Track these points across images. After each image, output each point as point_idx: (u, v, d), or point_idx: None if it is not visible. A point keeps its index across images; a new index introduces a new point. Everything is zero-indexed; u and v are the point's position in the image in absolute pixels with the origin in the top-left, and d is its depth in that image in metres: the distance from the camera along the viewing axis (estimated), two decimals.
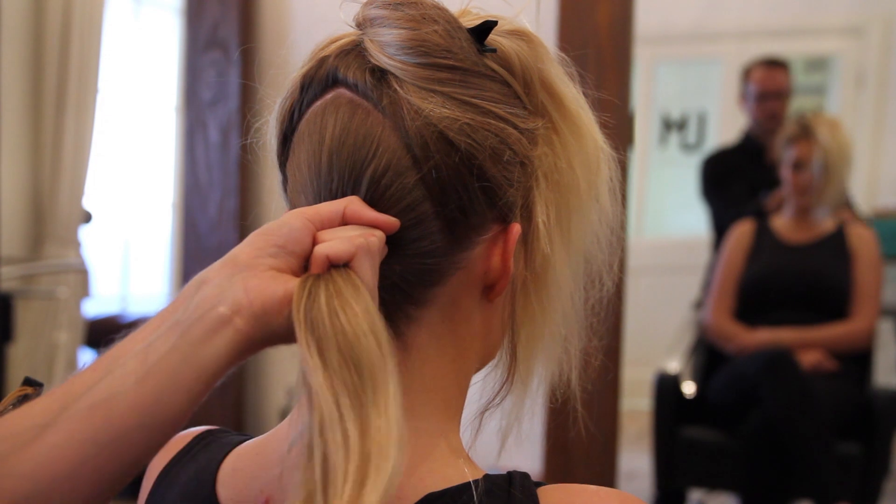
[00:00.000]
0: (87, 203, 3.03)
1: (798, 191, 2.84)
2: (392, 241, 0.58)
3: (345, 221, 0.56)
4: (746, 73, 3.46)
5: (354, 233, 0.55)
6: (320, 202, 0.59)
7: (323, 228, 0.56)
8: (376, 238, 0.56)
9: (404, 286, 0.59)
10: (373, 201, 0.57)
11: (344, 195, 0.58)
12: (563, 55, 0.65)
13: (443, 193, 0.57)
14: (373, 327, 0.51)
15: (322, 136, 0.59)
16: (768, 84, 3.40)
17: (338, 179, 0.58)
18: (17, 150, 2.84)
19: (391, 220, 0.57)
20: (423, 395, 0.60)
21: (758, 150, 3.45)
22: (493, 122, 0.59)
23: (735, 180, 3.37)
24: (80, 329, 3.03)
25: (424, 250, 0.58)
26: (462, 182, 0.58)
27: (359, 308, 0.51)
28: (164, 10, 3.56)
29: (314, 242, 0.55)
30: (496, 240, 0.61)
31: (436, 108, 0.57)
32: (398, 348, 0.60)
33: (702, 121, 5.03)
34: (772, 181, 3.33)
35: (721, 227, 3.37)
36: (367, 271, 0.55)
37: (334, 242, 0.54)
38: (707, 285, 3.46)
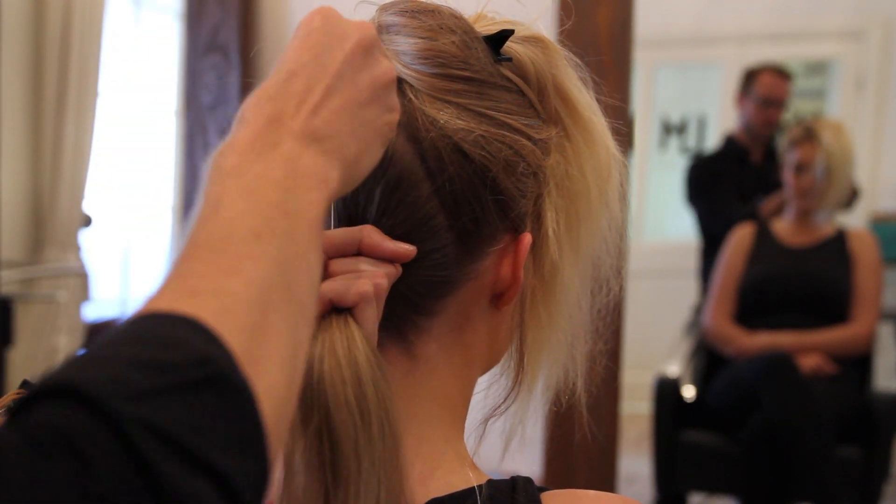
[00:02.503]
0: (87, 207, 3.03)
1: (800, 193, 2.84)
2: None
3: (360, 251, 0.56)
4: (751, 76, 3.46)
5: (367, 268, 0.55)
6: (332, 214, 0.59)
7: (336, 257, 0.56)
8: (386, 280, 0.56)
9: (414, 297, 0.59)
10: (386, 212, 0.57)
11: (356, 206, 0.58)
12: (577, 60, 0.65)
13: (456, 206, 0.57)
14: (358, 395, 0.52)
15: None
16: (775, 92, 3.41)
17: (351, 190, 0.58)
18: (17, 154, 2.84)
19: (408, 250, 0.57)
20: (430, 402, 0.61)
21: (742, 154, 3.46)
22: (507, 133, 0.58)
23: (722, 185, 3.38)
24: (80, 333, 3.03)
25: (436, 262, 0.58)
26: (475, 194, 0.58)
27: (348, 373, 0.52)
28: (165, 13, 3.56)
29: (325, 271, 0.55)
30: (507, 249, 0.61)
31: (451, 120, 0.57)
32: (406, 358, 0.60)
33: (701, 124, 5.04)
34: (758, 184, 3.34)
35: (711, 232, 3.38)
36: (369, 319, 0.55)
37: (340, 286, 0.54)
38: (703, 291, 3.46)
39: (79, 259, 3.00)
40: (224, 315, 0.39)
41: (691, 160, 3.65)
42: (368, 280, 0.55)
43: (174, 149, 3.48)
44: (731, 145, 3.51)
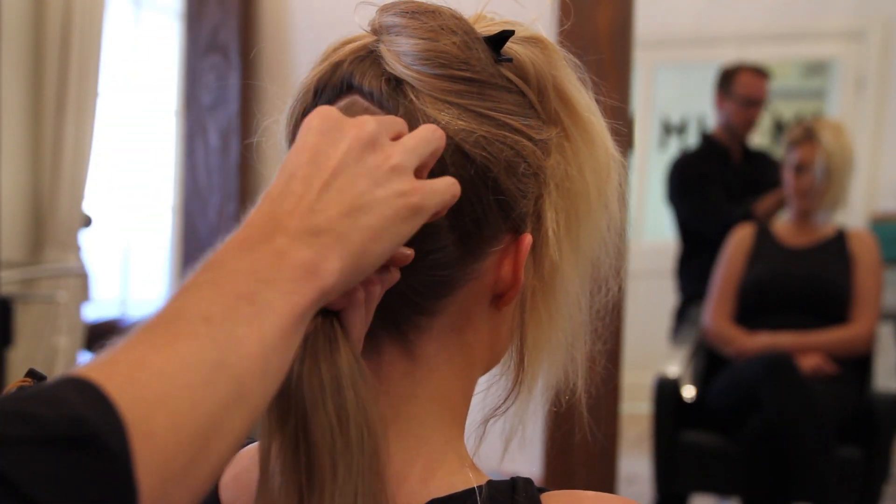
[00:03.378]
0: (87, 207, 3.03)
1: (799, 194, 2.84)
2: None
3: None
4: (729, 75, 3.45)
5: None
6: None
7: None
8: (379, 286, 0.55)
9: (414, 297, 0.59)
10: None
11: None
12: (577, 60, 0.65)
13: (457, 206, 0.57)
14: (337, 400, 0.51)
15: None
16: (756, 91, 3.41)
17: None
18: (17, 154, 2.84)
19: (405, 254, 0.56)
20: (430, 403, 0.61)
21: (724, 153, 3.46)
22: (508, 134, 0.59)
23: (710, 185, 3.38)
24: (80, 333, 3.03)
25: (437, 262, 0.58)
26: (477, 195, 0.58)
27: (328, 376, 0.52)
28: (165, 13, 3.56)
29: None
30: (507, 250, 0.61)
31: (452, 121, 0.57)
32: (406, 358, 0.60)
33: (701, 124, 5.04)
34: (741, 184, 3.34)
35: (696, 231, 3.38)
36: (356, 324, 0.55)
37: None
38: (682, 292, 3.46)
39: (79, 259, 3.00)
40: (128, 385, 0.40)
41: (675, 158, 3.63)
42: (360, 285, 0.54)
43: (174, 149, 3.48)
44: (712, 145, 3.51)
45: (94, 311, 3.27)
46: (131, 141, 3.51)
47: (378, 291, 0.55)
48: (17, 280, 2.82)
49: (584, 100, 0.64)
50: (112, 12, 3.13)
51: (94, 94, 2.96)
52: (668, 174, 3.49)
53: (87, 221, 3.04)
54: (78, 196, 2.95)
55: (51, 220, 2.90)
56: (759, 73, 3.44)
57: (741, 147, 3.51)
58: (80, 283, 3.04)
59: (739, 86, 3.40)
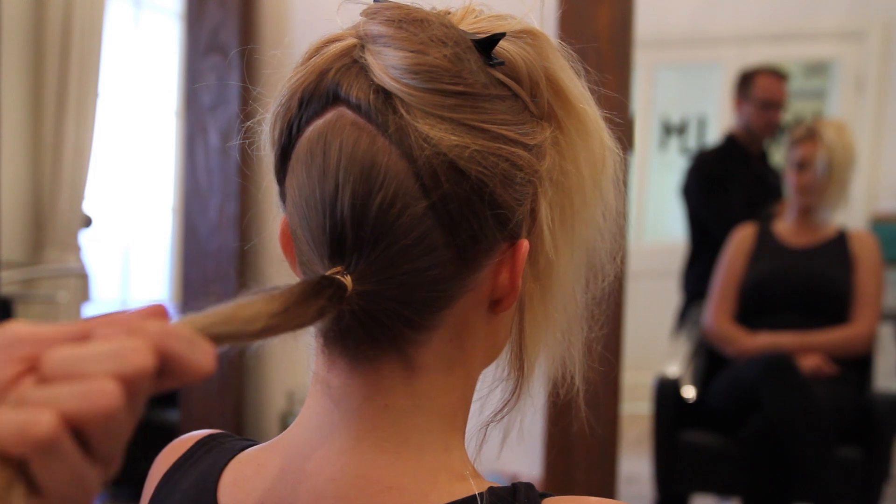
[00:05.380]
0: (88, 207, 3.03)
1: (801, 191, 2.83)
2: (401, 272, 0.56)
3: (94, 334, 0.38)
4: (747, 78, 3.43)
5: (92, 368, 0.35)
6: (326, 232, 0.56)
7: (56, 342, 0.37)
8: (108, 399, 0.35)
9: (412, 314, 0.57)
10: (381, 231, 0.55)
11: (352, 222, 0.55)
12: (570, 50, 0.63)
13: (453, 223, 0.56)
14: None
15: (326, 163, 0.56)
16: (774, 94, 3.38)
17: (346, 209, 0.55)
18: (17, 154, 2.84)
19: (191, 371, 0.39)
20: (431, 413, 0.60)
21: (744, 155, 3.43)
22: (503, 146, 0.57)
23: (729, 186, 3.35)
24: None
25: (434, 278, 0.57)
26: (473, 210, 0.56)
27: None
28: (165, 14, 3.56)
29: (30, 370, 0.37)
30: (504, 258, 0.59)
31: (445, 136, 0.55)
32: (406, 370, 0.59)
33: (702, 125, 5.04)
34: (760, 188, 3.32)
35: (707, 230, 3.36)
36: (54, 478, 0.35)
37: (9, 422, 0.34)
38: (686, 291, 3.45)
39: (79, 260, 3.00)
40: None
41: (696, 155, 3.60)
42: (54, 410, 0.34)
43: (174, 149, 3.48)
44: (733, 145, 3.48)
45: (94, 312, 3.27)
46: (131, 141, 3.50)
47: (110, 407, 0.35)
48: (17, 280, 2.82)
49: (578, 90, 0.62)
50: (112, 12, 3.13)
51: (94, 94, 2.96)
52: (688, 168, 3.45)
53: (87, 221, 3.04)
54: (78, 196, 2.95)
55: (51, 220, 2.90)
56: (777, 74, 3.41)
57: (761, 151, 3.48)
58: (80, 284, 3.04)
59: (758, 88, 3.36)
